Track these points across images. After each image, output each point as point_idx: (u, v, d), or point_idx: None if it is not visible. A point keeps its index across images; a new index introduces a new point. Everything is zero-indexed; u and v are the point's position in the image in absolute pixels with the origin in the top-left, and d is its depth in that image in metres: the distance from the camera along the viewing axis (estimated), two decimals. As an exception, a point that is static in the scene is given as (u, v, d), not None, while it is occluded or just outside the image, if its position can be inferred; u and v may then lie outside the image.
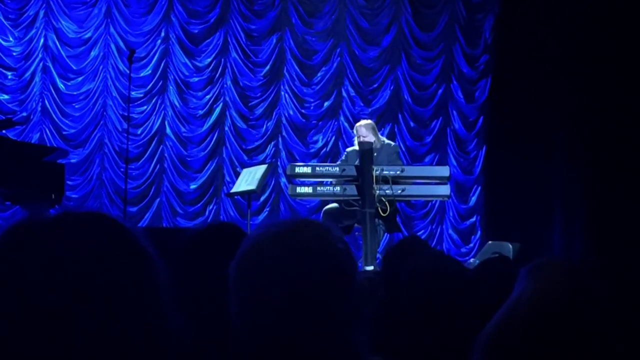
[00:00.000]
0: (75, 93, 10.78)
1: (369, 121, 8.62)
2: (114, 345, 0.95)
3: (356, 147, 8.18)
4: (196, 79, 11.09)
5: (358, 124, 8.48)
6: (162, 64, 10.99)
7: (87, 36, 10.83)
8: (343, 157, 8.56)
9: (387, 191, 7.65)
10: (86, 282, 0.96)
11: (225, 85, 11.15)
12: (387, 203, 7.64)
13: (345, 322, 1.60)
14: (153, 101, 10.94)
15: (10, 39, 10.67)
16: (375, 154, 7.86)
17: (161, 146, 10.97)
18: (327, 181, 8.30)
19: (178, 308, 1.06)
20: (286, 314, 1.55)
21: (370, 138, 8.09)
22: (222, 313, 1.63)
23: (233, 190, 9.19)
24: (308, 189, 8.01)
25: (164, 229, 9.90)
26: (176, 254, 2.22)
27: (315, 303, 1.57)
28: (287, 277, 1.56)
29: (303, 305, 1.56)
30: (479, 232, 11.34)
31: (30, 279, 0.95)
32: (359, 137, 8.18)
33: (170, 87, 11.01)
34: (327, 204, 8.29)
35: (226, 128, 11.13)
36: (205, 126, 11.06)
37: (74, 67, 10.78)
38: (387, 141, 8.55)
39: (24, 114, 10.56)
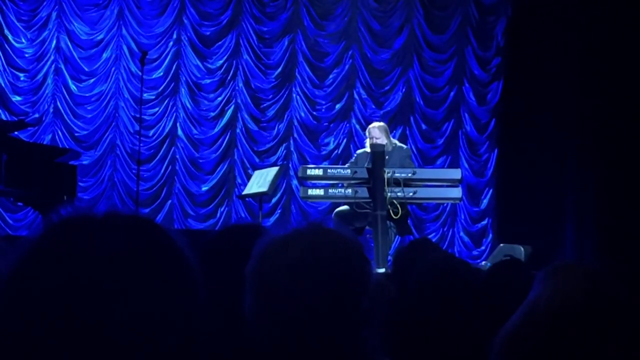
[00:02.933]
0: (87, 95, 10.80)
1: (382, 123, 8.62)
2: (153, 346, 0.96)
3: (367, 149, 8.18)
4: (208, 81, 11.09)
5: (371, 125, 8.48)
6: (174, 66, 11.01)
7: (99, 38, 10.85)
8: (353, 159, 8.55)
9: (398, 194, 7.65)
10: (133, 282, 0.97)
11: (237, 87, 11.16)
12: (398, 205, 7.63)
13: (357, 323, 1.60)
14: (165, 103, 10.95)
15: (23, 40, 10.70)
16: (387, 157, 7.86)
17: (173, 148, 10.98)
18: (338, 183, 8.30)
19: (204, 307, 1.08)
20: (300, 313, 1.56)
21: (382, 140, 8.08)
22: (240, 312, 1.64)
23: (245, 192, 9.20)
24: (319, 191, 8.02)
25: (179, 230, 9.91)
26: (201, 253, 2.22)
27: (329, 304, 1.57)
28: (302, 277, 1.57)
29: (316, 305, 1.56)
30: (490, 235, 11.31)
31: (78, 276, 0.95)
32: (371, 138, 8.17)
33: (182, 89, 11.03)
34: (339, 206, 8.28)
35: (238, 130, 11.14)
36: (217, 128, 11.07)
37: (86, 69, 10.80)
38: (398, 144, 8.53)
39: (36, 115, 10.59)
